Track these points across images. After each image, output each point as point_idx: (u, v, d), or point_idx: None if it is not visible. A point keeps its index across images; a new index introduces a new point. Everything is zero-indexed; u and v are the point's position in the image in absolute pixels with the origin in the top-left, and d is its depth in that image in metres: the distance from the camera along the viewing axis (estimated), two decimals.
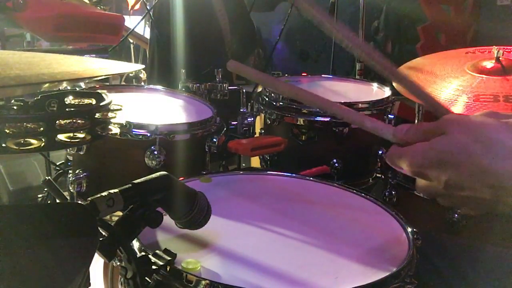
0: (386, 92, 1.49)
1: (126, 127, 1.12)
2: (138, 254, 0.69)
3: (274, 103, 1.39)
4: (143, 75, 2.47)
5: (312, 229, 0.85)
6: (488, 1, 2.65)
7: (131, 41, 2.95)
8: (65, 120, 0.70)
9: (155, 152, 1.11)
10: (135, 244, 0.72)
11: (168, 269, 0.67)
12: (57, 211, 0.59)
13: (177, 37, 2.36)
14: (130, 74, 2.32)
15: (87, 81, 1.40)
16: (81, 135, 0.72)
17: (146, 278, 0.66)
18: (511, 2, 2.55)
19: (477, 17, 2.72)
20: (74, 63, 0.76)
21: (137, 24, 2.46)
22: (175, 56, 2.39)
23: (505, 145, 0.59)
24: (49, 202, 1.56)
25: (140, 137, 1.12)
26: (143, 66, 2.74)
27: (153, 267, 0.66)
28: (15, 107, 0.70)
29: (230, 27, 2.48)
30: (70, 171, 1.23)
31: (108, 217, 0.67)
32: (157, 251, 0.68)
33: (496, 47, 1.41)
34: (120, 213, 0.66)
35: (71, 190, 1.17)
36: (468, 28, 2.71)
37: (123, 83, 2.24)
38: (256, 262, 0.73)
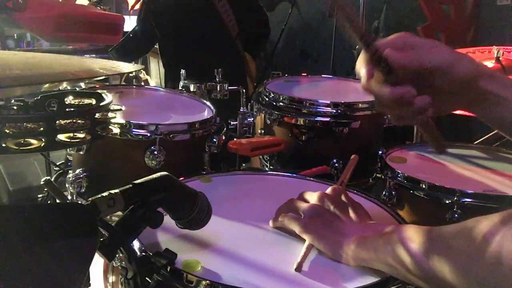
0: None
1: (126, 127, 1.12)
2: (139, 254, 0.69)
3: (274, 103, 1.39)
4: (143, 75, 2.47)
5: None
6: (488, 1, 2.65)
7: None
8: (65, 120, 0.70)
9: (155, 152, 1.11)
10: (136, 244, 0.72)
11: (168, 269, 0.67)
12: (57, 211, 0.59)
13: (176, 36, 2.34)
14: (130, 74, 2.33)
15: (87, 81, 1.40)
16: (81, 135, 0.72)
17: (146, 278, 0.66)
18: (511, 2, 2.55)
19: (477, 17, 2.71)
20: (74, 63, 0.77)
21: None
22: (175, 55, 2.38)
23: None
24: (49, 202, 1.56)
25: (140, 137, 1.12)
26: (143, 66, 2.73)
27: (154, 267, 0.66)
28: (15, 107, 0.70)
29: (236, 19, 2.42)
30: (70, 171, 1.23)
31: (108, 217, 0.67)
32: (157, 251, 0.68)
33: (496, 47, 1.41)
34: (120, 213, 0.66)
35: (71, 190, 1.17)
36: (468, 28, 2.71)
37: (123, 83, 2.24)
38: (256, 262, 0.73)
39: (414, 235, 0.64)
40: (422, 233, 0.64)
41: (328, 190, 0.85)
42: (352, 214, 0.79)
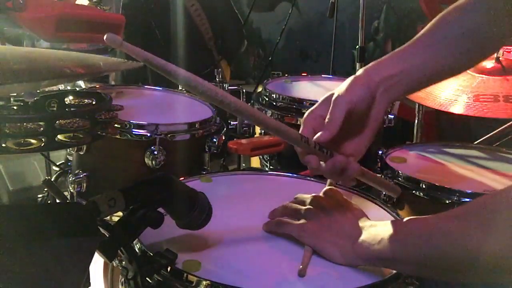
0: None
1: (126, 127, 1.12)
2: (139, 254, 0.68)
3: (274, 103, 1.39)
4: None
5: None
6: None
7: None
8: (65, 120, 0.70)
9: (155, 152, 1.11)
10: (136, 244, 0.72)
11: (169, 269, 0.67)
12: (57, 211, 0.59)
13: (147, 36, 2.34)
14: None
15: (86, 79, 1.40)
16: (81, 135, 0.72)
17: (146, 278, 0.66)
18: None
19: None
20: (73, 58, 0.76)
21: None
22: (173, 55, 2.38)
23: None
24: (49, 202, 1.56)
25: (140, 137, 1.12)
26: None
27: (154, 267, 0.66)
28: (15, 107, 0.70)
29: (210, 23, 2.43)
30: (70, 171, 1.23)
31: (108, 217, 0.67)
32: (157, 251, 0.68)
33: None
34: (121, 213, 0.66)
35: (71, 190, 1.17)
36: None
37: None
38: (257, 262, 0.73)
39: (414, 226, 0.66)
40: (422, 221, 0.66)
41: (322, 192, 0.85)
42: (348, 215, 0.79)
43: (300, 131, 0.77)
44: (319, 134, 0.74)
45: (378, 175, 0.95)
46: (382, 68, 0.77)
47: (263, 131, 1.48)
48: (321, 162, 0.77)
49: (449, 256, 0.59)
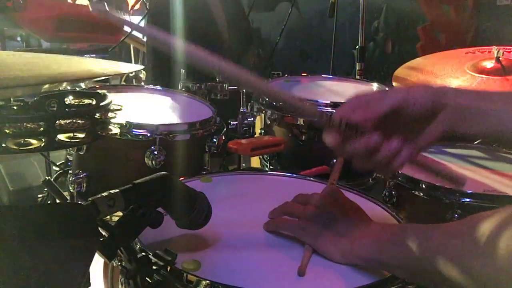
0: None
1: (126, 127, 1.12)
2: (139, 254, 0.68)
3: (274, 103, 1.39)
4: (143, 75, 2.47)
5: None
6: (488, 1, 2.65)
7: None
8: (65, 120, 0.70)
9: (155, 152, 1.11)
10: (136, 244, 0.72)
11: (168, 269, 0.67)
12: (57, 211, 0.59)
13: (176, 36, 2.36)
14: (130, 74, 2.32)
15: (87, 81, 1.40)
16: (81, 135, 0.72)
17: (146, 278, 0.66)
18: (511, 2, 2.55)
19: (477, 17, 2.71)
20: (74, 63, 0.76)
21: (137, 23, 2.45)
22: (175, 56, 2.38)
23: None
24: (49, 202, 1.56)
25: (140, 137, 1.12)
26: (143, 67, 2.73)
27: (154, 267, 0.66)
28: (15, 107, 0.70)
29: (227, 26, 2.46)
30: (70, 171, 1.23)
31: (108, 217, 0.67)
32: (157, 251, 0.68)
33: (496, 47, 1.41)
34: (120, 213, 0.66)
35: (71, 190, 1.17)
36: (468, 28, 2.71)
37: (123, 83, 2.24)
38: (257, 262, 0.74)
39: (413, 235, 0.65)
40: (421, 232, 0.65)
41: (323, 191, 0.85)
42: (348, 214, 0.79)
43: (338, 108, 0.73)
44: (352, 112, 0.71)
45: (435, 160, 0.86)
46: (462, 95, 0.73)
47: (263, 131, 1.48)
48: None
49: (443, 273, 0.59)
